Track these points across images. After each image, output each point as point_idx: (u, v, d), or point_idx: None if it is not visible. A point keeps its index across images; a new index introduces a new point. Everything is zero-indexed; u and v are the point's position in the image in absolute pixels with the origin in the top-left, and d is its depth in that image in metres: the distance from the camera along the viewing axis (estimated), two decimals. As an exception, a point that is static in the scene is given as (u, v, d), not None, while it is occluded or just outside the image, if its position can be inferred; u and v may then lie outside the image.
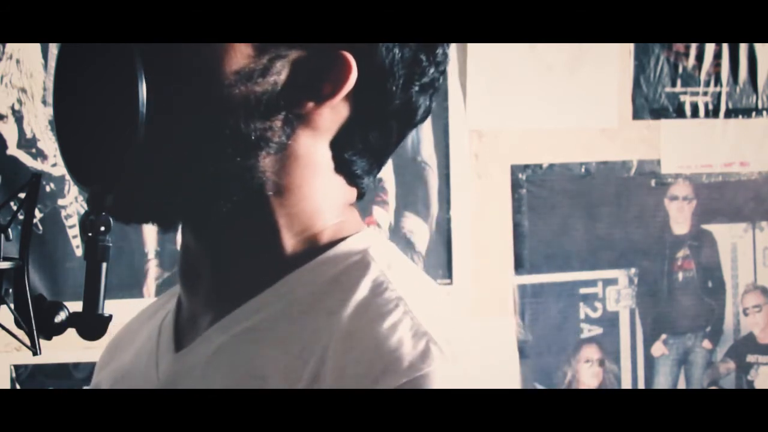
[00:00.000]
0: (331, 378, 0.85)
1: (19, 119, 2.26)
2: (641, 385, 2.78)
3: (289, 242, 0.94)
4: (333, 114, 0.93)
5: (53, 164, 2.26)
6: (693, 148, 2.84)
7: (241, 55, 0.89)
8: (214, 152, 0.90)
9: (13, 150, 2.25)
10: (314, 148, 0.93)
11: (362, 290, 0.90)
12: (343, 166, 0.95)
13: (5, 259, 0.89)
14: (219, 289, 0.95)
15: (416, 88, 0.95)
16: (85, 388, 1.14)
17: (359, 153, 0.95)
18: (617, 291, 2.78)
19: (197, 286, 0.97)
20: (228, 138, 0.89)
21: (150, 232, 2.34)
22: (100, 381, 1.09)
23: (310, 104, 0.91)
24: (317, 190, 0.94)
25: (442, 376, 0.82)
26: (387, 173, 2.54)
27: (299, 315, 0.91)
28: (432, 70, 0.95)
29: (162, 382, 0.97)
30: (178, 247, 1.02)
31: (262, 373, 0.89)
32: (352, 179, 0.96)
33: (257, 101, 0.89)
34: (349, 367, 0.84)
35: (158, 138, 0.88)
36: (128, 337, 1.09)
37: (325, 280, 0.92)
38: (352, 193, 0.97)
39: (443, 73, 0.97)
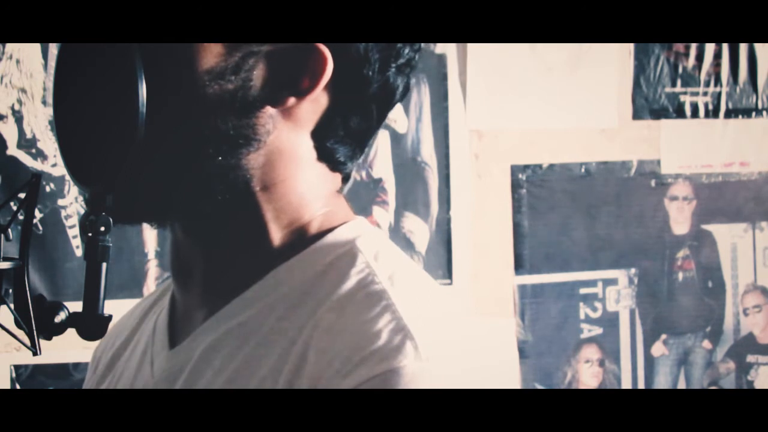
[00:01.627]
0: (311, 371, 0.85)
1: (19, 119, 2.26)
2: (641, 385, 2.78)
3: (277, 235, 0.94)
4: (313, 105, 0.93)
5: (53, 164, 2.27)
6: (693, 148, 2.84)
7: (211, 54, 0.89)
8: (195, 153, 0.90)
9: (13, 150, 2.25)
10: (297, 140, 0.93)
11: (347, 283, 0.90)
12: (325, 155, 0.95)
13: (5, 259, 0.89)
14: (211, 284, 0.96)
15: (393, 70, 0.95)
16: (84, 388, 1.14)
17: (341, 140, 0.95)
18: (617, 291, 2.78)
19: (190, 282, 0.97)
20: (208, 138, 0.90)
21: (150, 232, 2.34)
22: (96, 377, 1.09)
23: (292, 99, 0.91)
24: (302, 182, 0.94)
25: (413, 373, 0.82)
26: (387, 173, 2.54)
27: (287, 309, 0.91)
28: (407, 51, 0.95)
29: (156, 380, 0.97)
30: (169, 252, 1.02)
31: (251, 369, 0.89)
32: (335, 166, 0.96)
33: (232, 99, 0.90)
34: (328, 361, 0.84)
35: (160, 129, 0.89)
36: (124, 333, 1.09)
37: (312, 273, 0.92)
38: (336, 179, 0.97)
39: (418, 51, 0.97)
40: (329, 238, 0.94)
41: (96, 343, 0.96)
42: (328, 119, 0.94)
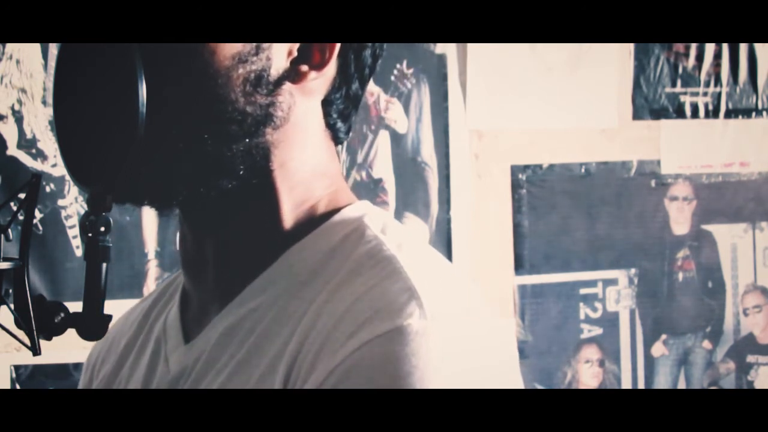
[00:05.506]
0: (318, 336, 0.86)
1: (19, 119, 2.26)
2: (641, 385, 2.78)
3: (289, 215, 0.95)
4: (325, 75, 0.95)
5: (53, 164, 2.26)
6: (693, 148, 2.84)
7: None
8: (224, 136, 0.91)
9: (13, 150, 2.25)
10: (309, 111, 0.96)
11: (357, 255, 0.91)
12: (330, 123, 0.98)
13: (5, 259, 0.89)
14: (224, 273, 0.96)
15: None
16: (80, 387, 1.13)
17: (345, 105, 0.98)
18: (617, 291, 2.78)
19: (204, 274, 0.98)
20: (235, 120, 0.91)
21: (150, 232, 2.34)
22: (96, 384, 1.08)
23: (312, 73, 0.94)
24: (313, 156, 0.96)
25: (416, 331, 0.82)
26: (387, 173, 2.54)
27: (298, 289, 0.92)
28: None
29: (173, 375, 0.97)
30: (178, 247, 1.02)
31: (263, 347, 0.90)
32: (336, 134, 0.99)
33: (257, 79, 0.91)
34: (335, 324, 0.85)
35: (164, 125, 0.89)
36: (124, 338, 1.08)
37: (322, 252, 0.93)
38: (337, 156, 1.00)
39: None
40: (337, 217, 0.96)
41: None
42: (335, 86, 0.96)
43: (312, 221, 0.95)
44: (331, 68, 0.95)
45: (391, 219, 0.97)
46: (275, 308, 0.92)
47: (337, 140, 0.99)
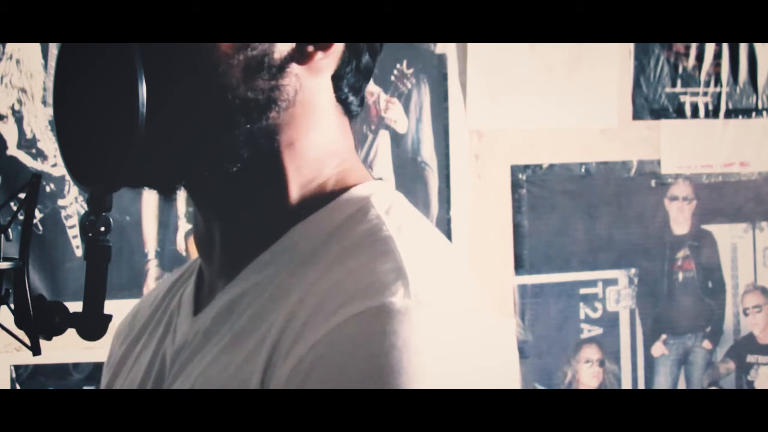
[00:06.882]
0: (304, 313, 0.85)
1: (19, 119, 2.26)
2: (641, 385, 2.78)
3: (296, 194, 0.95)
4: (332, 53, 0.95)
5: (53, 164, 2.27)
6: (693, 148, 2.84)
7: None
8: (223, 123, 0.91)
9: (13, 150, 2.25)
10: (319, 89, 0.95)
11: (356, 235, 0.91)
12: (341, 97, 0.97)
13: (5, 259, 0.89)
14: (231, 251, 0.97)
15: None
16: (108, 362, 1.14)
17: (356, 79, 0.97)
18: (617, 291, 2.78)
19: (213, 252, 0.98)
20: (236, 107, 0.91)
21: (150, 232, 2.34)
22: (113, 360, 1.09)
23: (319, 54, 0.93)
24: (322, 133, 0.96)
25: (398, 310, 0.82)
26: (387, 173, 2.54)
27: (298, 266, 0.92)
28: None
29: (177, 346, 0.98)
30: (178, 247, 1.02)
31: (255, 324, 0.91)
32: (347, 107, 0.98)
33: (259, 65, 0.91)
34: (320, 302, 0.85)
35: (163, 113, 0.89)
36: (146, 312, 1.09)
37: (326, 230, 0.93)
38: (350, 132, 0.99)
39: None
40: (345, 196, 0.95)
41: (96, 343, 0.96)
42: (345, 60, 0.96)
43: (320, 200, 0.95)
44: (338, 45, 0.94)
45: (400, 200, 0.97)
46: (273, 284, 0.92)
47: (349, 114, 0.99)
